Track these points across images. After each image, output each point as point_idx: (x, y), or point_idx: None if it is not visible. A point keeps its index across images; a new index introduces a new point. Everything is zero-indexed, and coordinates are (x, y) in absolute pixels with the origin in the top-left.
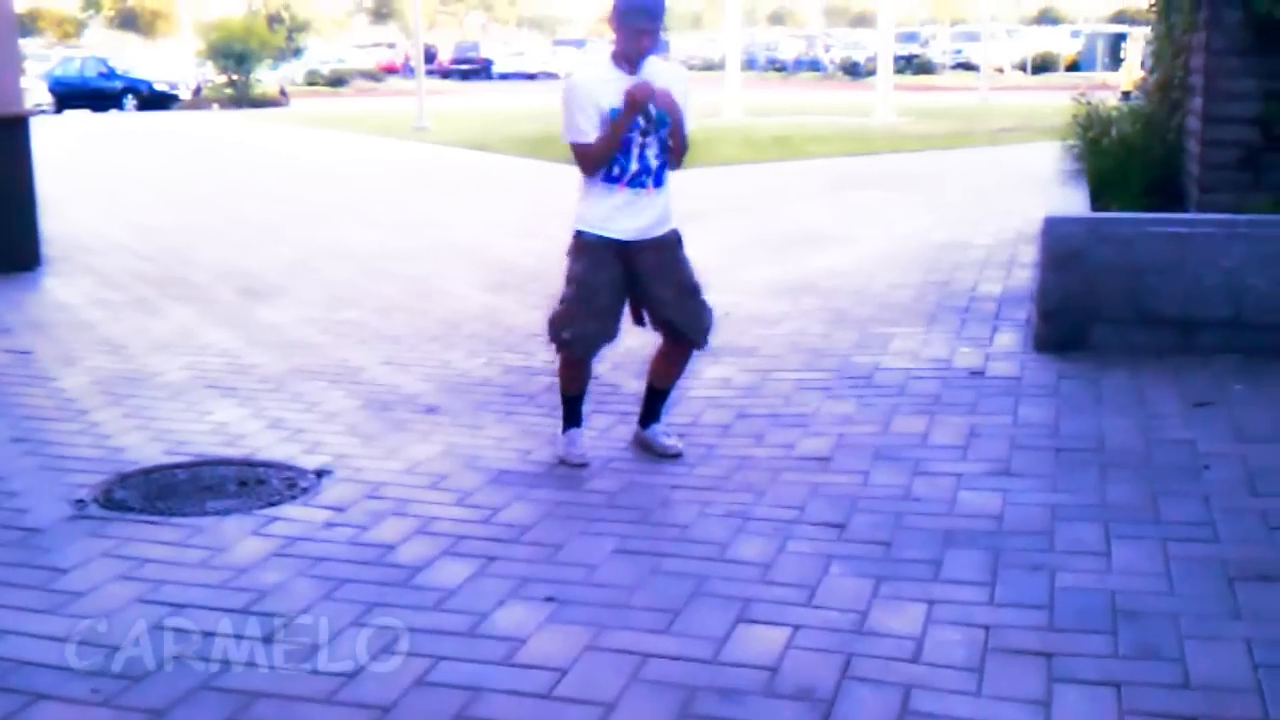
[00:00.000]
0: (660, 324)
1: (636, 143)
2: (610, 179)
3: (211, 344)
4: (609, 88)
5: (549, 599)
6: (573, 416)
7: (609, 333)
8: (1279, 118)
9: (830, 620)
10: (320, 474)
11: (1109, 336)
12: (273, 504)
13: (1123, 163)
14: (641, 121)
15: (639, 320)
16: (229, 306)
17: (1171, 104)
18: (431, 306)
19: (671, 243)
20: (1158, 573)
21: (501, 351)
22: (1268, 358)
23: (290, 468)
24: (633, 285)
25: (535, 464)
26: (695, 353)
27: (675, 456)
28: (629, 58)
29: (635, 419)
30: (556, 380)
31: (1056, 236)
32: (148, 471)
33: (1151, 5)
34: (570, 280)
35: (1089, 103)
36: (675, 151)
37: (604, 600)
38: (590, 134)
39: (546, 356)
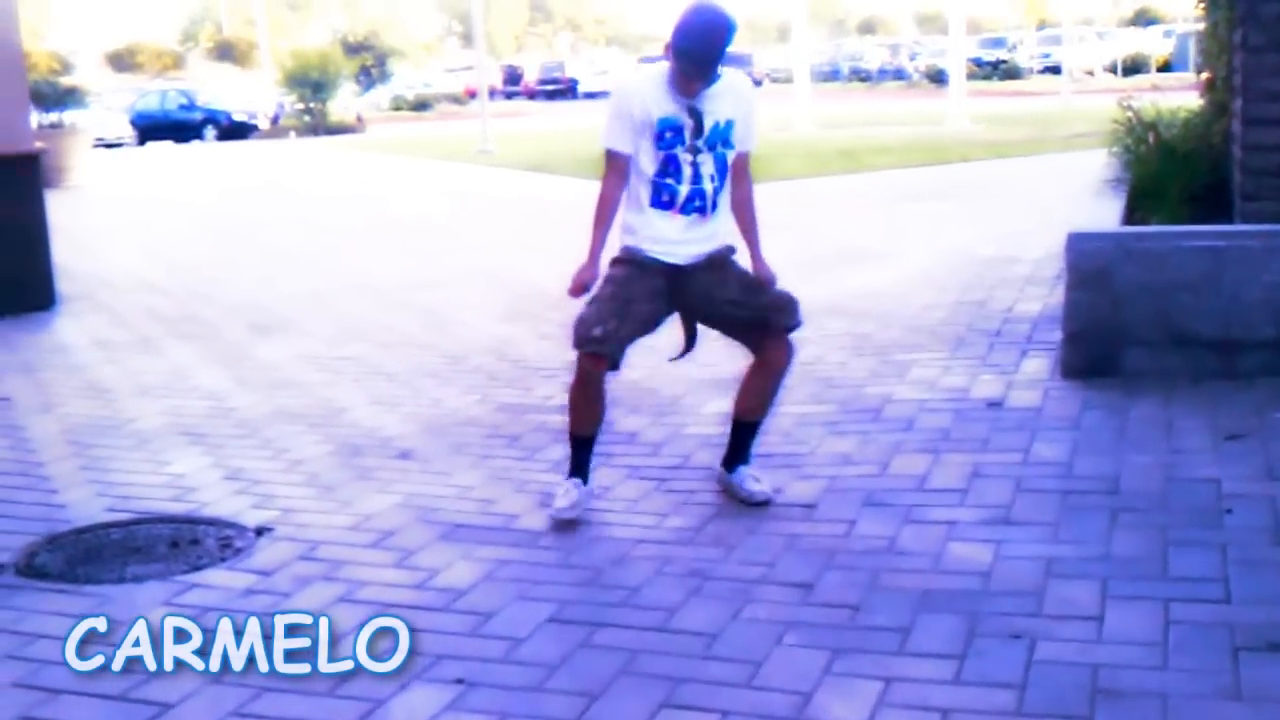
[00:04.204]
0: (742, 328)
1: (685, 162)
2: (661, 204)
3: (200, 386)
4: (659, 98)
5: (458, 681)
6: (580, 464)
7: (633, 340)
8: None
9: (768, 705)
10: (260, 532)
11: (1141, 361)
12: (198, 568)
13: (1164, 170)
14: (687, 137)
15: (690, 345)
16: (231, 344)
17: (1218, 106)
18: (440, 339)
19: (724, 258)
20: (1153, 642)
21: (499, 387)
22: None
23: (231, 525)
24: (690, 309)
25: (494, 516)
26: (789, 370)
27: (764, 504)
28: (679, 88)
29: (618, 462)
30: (566, 419)
31: (1081, 253)
32: (80, 531)
33: (1199, 0)
34: (608, 281)
35: (1130, 107)
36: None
37: (519, 682)
38: (623, 144)
39: (544, 391)
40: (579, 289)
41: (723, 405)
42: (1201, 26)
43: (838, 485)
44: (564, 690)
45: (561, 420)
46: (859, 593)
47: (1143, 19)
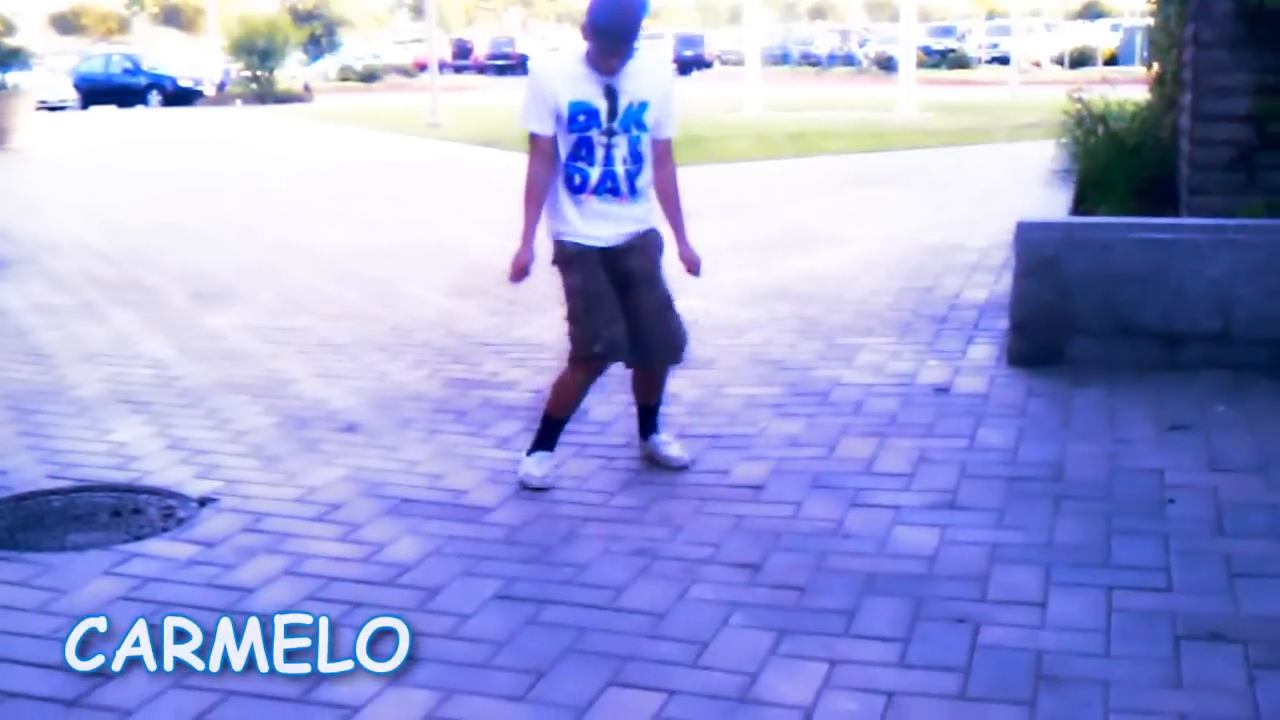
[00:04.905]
0: (634, 337)
1: (598, 144)
2: (574, 189)
3: (143, 354)
4: (572, 82)
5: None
6: (550, 440)
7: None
8: (1274, 115)
9: (713, 684)
10: (203, 502)
11: (1086, 350)
12: (140, 537)
13: (1112, 162)
14: (602, 120)
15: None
16: (175, 312)
17: (1167, 100)
18: (387, 312)
19: (654, 246)
20: (1096, 629)
21: (447, 362)
22: (1257, 375)
23: (174, 495)
24: (618, 284)
25: (442, 491)
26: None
27: (682, 469)
28: (597, 67)
29: (567, 439)
30: (546, 399)
31: (1029, 243)
32: (20, 498)
33: None
34: (572, 293)
35: (1081, 99)
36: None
37: (464, 658)
38: (542, 125)
39: (492, 367)
40: (519, 273)
41: (669, 385)
42: (1151, 21)
43: (785, 467)
44: (510, 667)
45: (509, 396)
46: (805, 574)
47: (1090, 12)
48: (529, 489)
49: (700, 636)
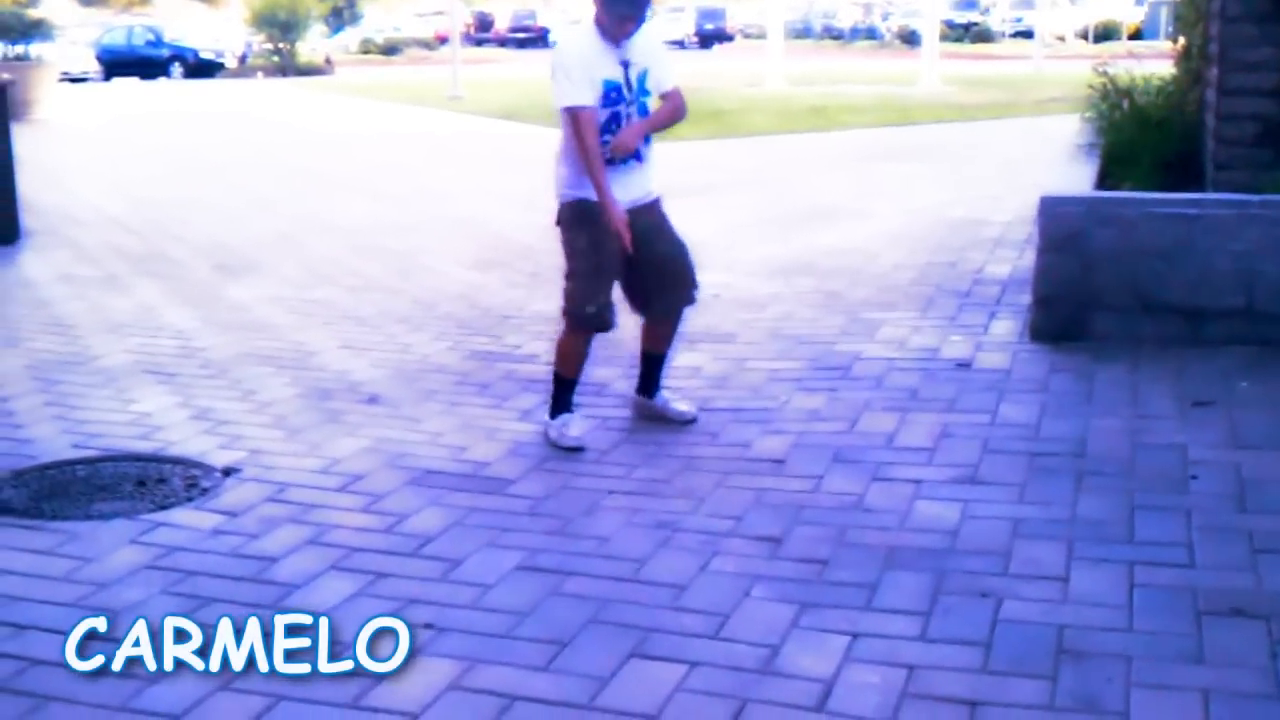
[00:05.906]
0: (654, 287)
1: (624, 116)
2: (606, 160)
3: (167, 325)
4: (599, 60)
5: (427, 626)
6: (566, 402)
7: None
8: None
9: (735, 656)
10: (227, 472)
11: (1110, 326)
12: (165, 507)
13: (1137, 137)
14: (626, 94)
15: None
16: (199, 284)
17: (1193, 74)
18: (409, 285)
19: (658, 205)
20: (1117, 604)
21: (469, 335)
22: None
23: (198, 464)
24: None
25: (465, 463)
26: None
27: (691, 422)
28: (611, 35)
29: (589, 413)
30: (551, 364)
31: (1054, 217)
32: (45, 468)
33: None
34: (581, 252)
35: (1106, 73)
36: (672, 112)
37: (488, 628)
38: (587, 97)
39: (513, 340)
40: (630, 234)
41: (692, 359)
42: None
43: (806, 441)
44: (533, 638)
45: (531, 369)
46: (827, 548)
47: None
48: (564, 449)
49: (722, 609)
